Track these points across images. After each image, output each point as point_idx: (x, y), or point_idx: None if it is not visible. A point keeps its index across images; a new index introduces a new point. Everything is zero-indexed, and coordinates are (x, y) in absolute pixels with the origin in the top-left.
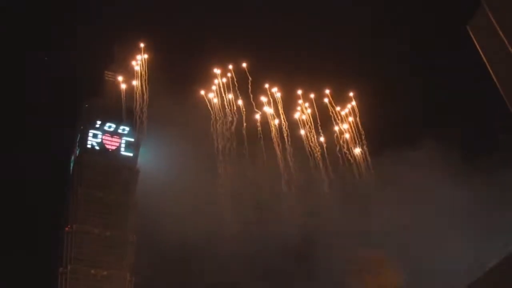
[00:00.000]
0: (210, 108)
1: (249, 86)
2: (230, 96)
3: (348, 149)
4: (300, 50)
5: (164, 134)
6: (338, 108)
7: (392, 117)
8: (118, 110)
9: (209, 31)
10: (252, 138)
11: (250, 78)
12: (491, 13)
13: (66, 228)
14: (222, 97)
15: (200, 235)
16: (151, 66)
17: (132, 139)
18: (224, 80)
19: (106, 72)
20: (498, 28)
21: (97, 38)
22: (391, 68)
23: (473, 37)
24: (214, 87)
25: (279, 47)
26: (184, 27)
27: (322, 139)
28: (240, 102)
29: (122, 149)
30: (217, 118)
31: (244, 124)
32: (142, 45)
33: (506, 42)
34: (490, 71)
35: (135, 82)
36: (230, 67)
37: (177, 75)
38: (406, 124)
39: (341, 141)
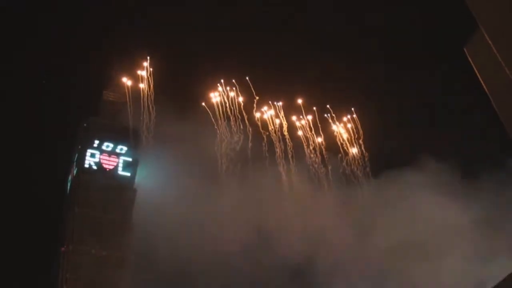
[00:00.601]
0: (216, 126)
1: (254, 105)
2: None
3: (351, 170)
4: (305, 68)
5: (163, 152)
6: (341, 125)
7: (392, 138)
8: (116, 129)
9: (208, 48)
10: (255, 157)
11: (256, 97)
12: (488, 35)
13: (62, 249)
14: (224, 115)
15: (199, 255)
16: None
17: (130, 159)
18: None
19: (104, 91)
20: (495, 50)
21: (96, 57)
22: (390, 88)
23: (470, 59)
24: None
25: (280, 64)
26: (183, 45)
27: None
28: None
29: (120, 168)
30: (222, 137)
31: (250, 144)
32: (146, 63)
33: (503, 64)
34: (487, 92)
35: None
36: (230, 93)
37: (176, 92)
38: (405, 145)
39: (344, 163)
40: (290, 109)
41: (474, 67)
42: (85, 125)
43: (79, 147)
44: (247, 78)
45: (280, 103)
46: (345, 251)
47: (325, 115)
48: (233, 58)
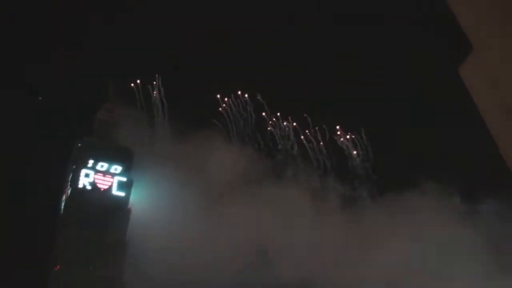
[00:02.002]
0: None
1: (268, 123)
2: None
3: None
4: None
5: (160, 172)
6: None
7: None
8: (111, 149)
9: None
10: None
11: (268, 113)
12: (483, 57)
13: (55, 268)
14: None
15: (194, 276)
16: (148, 103)
17: (124, 179)
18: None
19: (99, 110)
20: (490, 73)
21: (90, 76)
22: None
23: (464, 82)
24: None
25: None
26: (183, 62)
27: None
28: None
29: (114, 188)
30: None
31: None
32: (155, 82)
33: (498, 87)
34: (481, 114)
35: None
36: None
37: (176, 111)
38: (408, 168)
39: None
40: (300, 125)
41: (468, 88)
42: (79, 144)
43: (73, 166)
44: (258, 97)
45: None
46: (346, 271)
47: (334, 136)
48: (246, 75)
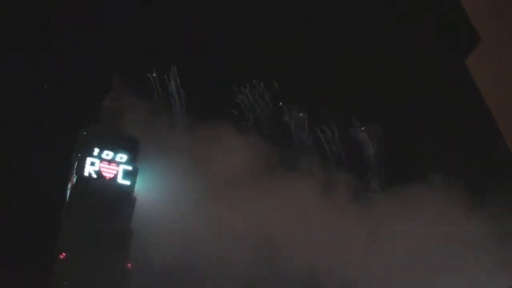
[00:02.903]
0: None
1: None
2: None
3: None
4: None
5: (165, 162)
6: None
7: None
8: (117, 138)
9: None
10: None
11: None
12: (490, 48)
13: (61, 256)
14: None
15: (199, 265)
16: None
17: (129, 167)
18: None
19: (105, 98)
20: (497, 64)
21: (97, 64)
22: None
23: (472, 73)
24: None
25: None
26: (199, 52)
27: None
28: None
29: (120, 177)
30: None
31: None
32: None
33: (505, 78)
34: (488, 106)
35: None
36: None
37: (191, 101)
38: (414, 160)
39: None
40: (314, 118)
41: (475, 80)
42: (85, 133)
43: (79, 155)
44: (275, 86)
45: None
46: (353, 264)
47: (349, 129)
48: (262, 62)
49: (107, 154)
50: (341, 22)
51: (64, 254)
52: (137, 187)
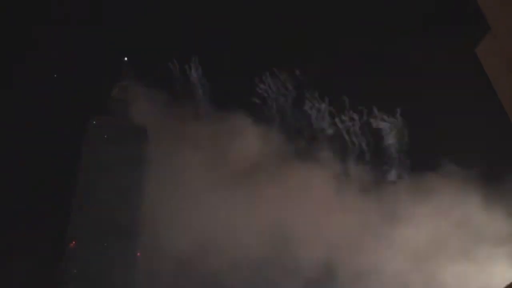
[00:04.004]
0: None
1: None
2: None
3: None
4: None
5: (176, 151)
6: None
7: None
8: (125, 127)
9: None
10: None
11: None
12: (500, 37)
13: (71, 244)
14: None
15: (213, 255)
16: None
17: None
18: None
19: (114, 89)
20: (507, 53)
21: (107, 55)
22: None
23: (482, 62)
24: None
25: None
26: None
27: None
28: None
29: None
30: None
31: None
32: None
33: None
34: (498, 95)
35: None
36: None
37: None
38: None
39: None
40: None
41: (485, 70)
42: (94, 122)
43: (88, 145)
44: (297, 74)
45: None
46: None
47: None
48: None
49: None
50: (359, 14)
51: (74, 242)
52: (149, 176)
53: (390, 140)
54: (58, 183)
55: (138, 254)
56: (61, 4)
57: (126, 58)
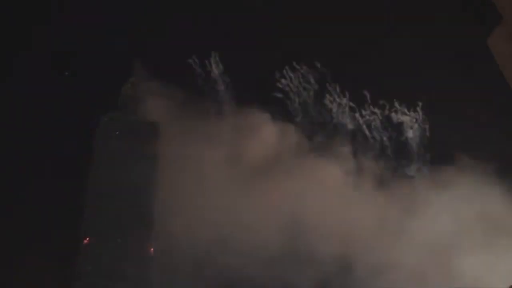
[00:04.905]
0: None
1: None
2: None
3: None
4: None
5: (189, 146)
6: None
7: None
8: (137, 123)
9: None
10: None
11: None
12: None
13: (85, 241)
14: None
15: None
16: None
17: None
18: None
19: (125, 85)
20: None
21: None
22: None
23: (492, 52)
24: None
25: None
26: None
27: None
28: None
29: None
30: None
31: None
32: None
33: None
34: (511, 86)
35: None
36: None
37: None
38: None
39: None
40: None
41: (496, 59)
42: (105, 119)
43: (100, 140)
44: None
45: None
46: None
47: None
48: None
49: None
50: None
51: (88, 238)
52: (162, 172)
53: (411, 134)
54: (70, 180)
55: (152, 250)
56: None
57: (136, 57)
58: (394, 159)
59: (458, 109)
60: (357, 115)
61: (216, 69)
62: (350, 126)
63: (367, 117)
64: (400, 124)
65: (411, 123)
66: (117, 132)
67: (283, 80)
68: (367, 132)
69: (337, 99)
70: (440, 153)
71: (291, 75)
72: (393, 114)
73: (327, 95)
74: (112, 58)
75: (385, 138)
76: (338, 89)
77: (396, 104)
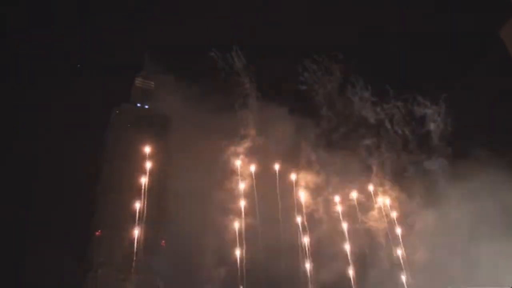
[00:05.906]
0: None
1: None
2: None
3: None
4: None
5: (200, 139)
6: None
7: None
8: (148, 116)
9: None
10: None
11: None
12: None
13: (97, 233)
14: None
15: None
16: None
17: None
18: None
19: (136, 78)
20: None
21: (128, 45)
22: None
23: (505, 43)
24: None
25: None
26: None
27: None
28: None
29: None
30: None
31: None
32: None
33: None
34: None
35: None
36: None
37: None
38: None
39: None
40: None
41: (510, 51)
42: (117, 111)
43: (112, 133)
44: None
45: None
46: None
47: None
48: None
49: None
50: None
51: (100, 230)
52: (173, 166)
53: (432, 127)
54: (82, 172)
55: (163, 242)
56: None
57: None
58: (415, 153)
59: (480, 102)
60: (379, 108)
61: (238, 62)
62: (372, 120)
63: (390, 110)
64: (422, 117)
65: (434, 116)
66: (129, 125)
67: (305, 73)
68: (389, 126)
69: (359, 93)
70: (462, 146)
71: (315, 67)
72: (416, 108)
73: (350, 89)
74: (124, 51)
75: (407, 131)
76: (361, 82)
77: (419, 98)
